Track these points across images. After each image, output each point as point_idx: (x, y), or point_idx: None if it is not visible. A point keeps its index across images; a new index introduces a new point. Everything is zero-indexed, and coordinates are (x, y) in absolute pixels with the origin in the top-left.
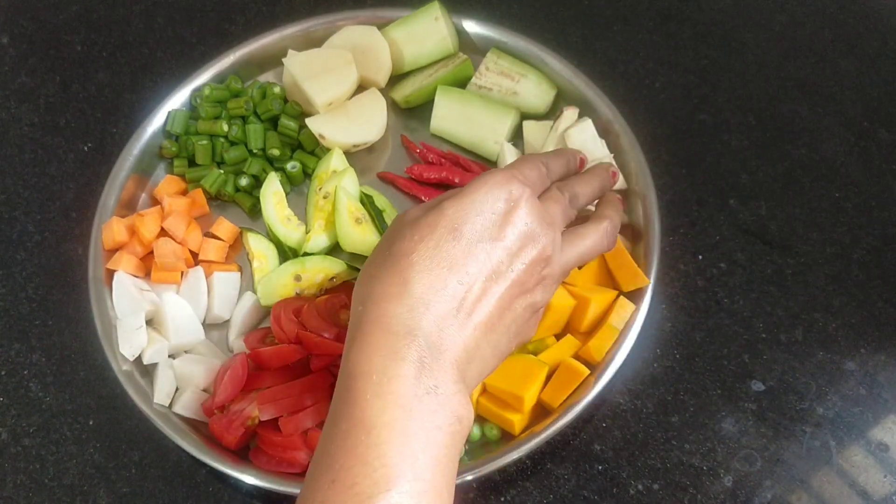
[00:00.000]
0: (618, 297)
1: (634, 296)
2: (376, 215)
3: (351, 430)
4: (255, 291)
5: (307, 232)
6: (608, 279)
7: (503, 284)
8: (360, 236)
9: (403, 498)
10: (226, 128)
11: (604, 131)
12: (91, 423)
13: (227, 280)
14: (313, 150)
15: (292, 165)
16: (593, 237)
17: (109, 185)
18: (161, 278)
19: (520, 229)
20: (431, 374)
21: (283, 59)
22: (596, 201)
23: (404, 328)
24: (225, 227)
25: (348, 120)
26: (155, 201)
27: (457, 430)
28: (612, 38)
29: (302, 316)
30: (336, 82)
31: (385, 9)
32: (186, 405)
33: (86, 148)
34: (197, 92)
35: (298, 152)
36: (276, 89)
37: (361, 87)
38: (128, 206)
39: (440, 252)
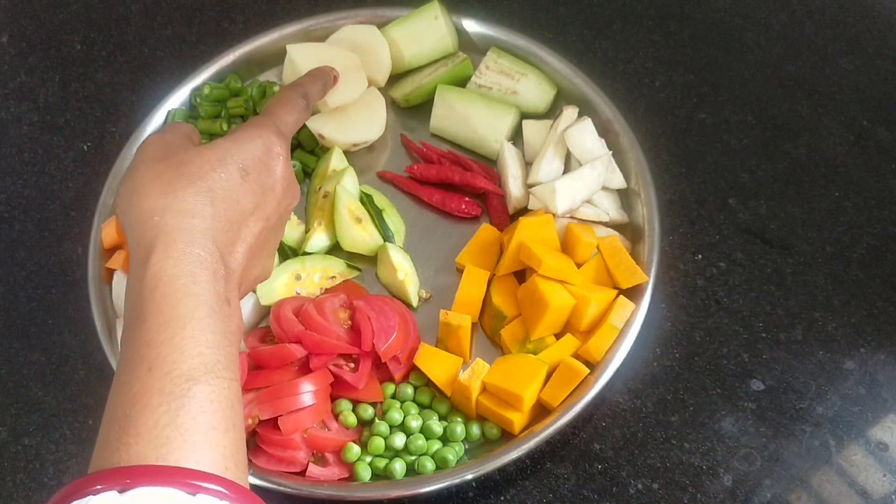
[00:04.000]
0: (617, 296)
1: (634, 295)
2: (376, 214)
3: (163, 324)
4: (254, 291)
5: (307, 231)
6: (607, 278)
7: (262, 223)
8: (360, 235)
9: (221, 381)
10: (225, 127)
11: (603, 130)
12: (91, 422)
13: None
14: (313, 149)
15: (292, 164)
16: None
17: (109, 184)
18: None
19: (280, 174)
20: (225, 286)
21: (287, 46)
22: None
23: (206, 242)
24: None
25: (348, 119)
26: None
27: (238, 339)
28: (611, 37)
29: (301, 315)
30: (345, 87)
31: (385, 8)
32: None
33: (85, 147)
34: (196, 91)
35: (298, 151)
36: (276, 88)
37: None
38: None
39: (230, 183)
